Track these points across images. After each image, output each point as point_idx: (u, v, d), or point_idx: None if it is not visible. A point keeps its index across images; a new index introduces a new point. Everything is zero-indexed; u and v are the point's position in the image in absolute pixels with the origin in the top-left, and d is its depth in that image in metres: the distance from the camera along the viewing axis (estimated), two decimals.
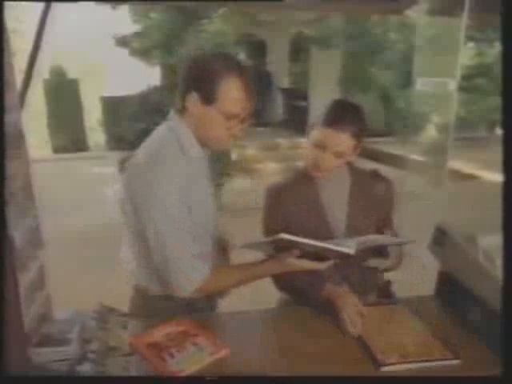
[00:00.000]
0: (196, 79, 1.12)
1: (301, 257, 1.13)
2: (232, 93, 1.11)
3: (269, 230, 1.41)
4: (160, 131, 1.21)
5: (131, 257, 1.27)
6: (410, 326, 1.18)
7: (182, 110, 1.18)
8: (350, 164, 1.40)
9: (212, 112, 1.13)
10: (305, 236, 1.31)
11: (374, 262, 1.31)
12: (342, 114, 1.23)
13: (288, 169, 6.04)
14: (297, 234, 1.33)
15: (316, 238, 1.31)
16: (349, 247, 1.11)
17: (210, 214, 1.27)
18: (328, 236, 1.33)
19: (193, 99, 1.12)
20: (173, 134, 1.17)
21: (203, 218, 1.23)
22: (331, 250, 1.11)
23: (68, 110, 9.32)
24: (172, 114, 1.21)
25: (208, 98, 1.11)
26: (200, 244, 1.19)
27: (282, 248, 1.15)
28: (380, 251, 1.31)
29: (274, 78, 8.94)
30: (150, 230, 1.12)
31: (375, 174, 1.42)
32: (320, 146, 1.25)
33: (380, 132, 8.73)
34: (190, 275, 1.14)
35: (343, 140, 1.22)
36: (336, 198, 1.36)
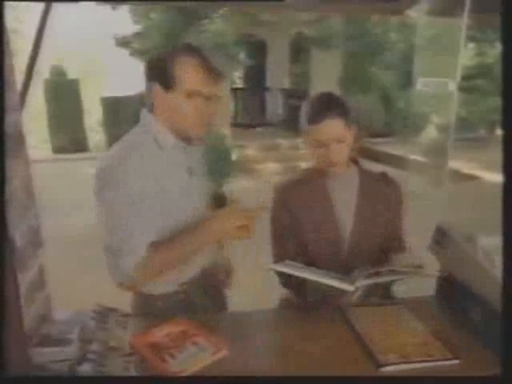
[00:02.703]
0: (153, 70, 1.19)
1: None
2: (187, 71, 1.15)
3: (277, 227, 1.41)
4: (133, 130, 1.25)
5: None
6: (410, 326, 1.18)
7: (152, 107, 1.23)
8: (358, 165, 1.41)
9: (175, 96, 1.17)
10: (314, 234, 1.32)
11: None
12: (321, 105, 1.27)
13: (291, 169, 6.06)
14: (304, 232, 1.34)
15: (324, 236, 1.31)
16: (349, 283, 1.12)
17: (188, 204, 1.25)
18: (335, 235, 1.34)
19: (155, 90, 1.18)
20: (145, 129, 1.22)
21: (176, 207, 1.21)
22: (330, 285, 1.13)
23: (68, 110, 9.32)
24: (143, 113, 1.25)
25: (167, 83, 1.17)
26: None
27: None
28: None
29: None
30: (107, 212, 1.15)
31: (384, 177, 1.43)
32: (321, 143, 1.27)
33: (380, 132, 8.75)
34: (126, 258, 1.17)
35: (336, 126, 1.26)
36: (344, 199, 1.36)
